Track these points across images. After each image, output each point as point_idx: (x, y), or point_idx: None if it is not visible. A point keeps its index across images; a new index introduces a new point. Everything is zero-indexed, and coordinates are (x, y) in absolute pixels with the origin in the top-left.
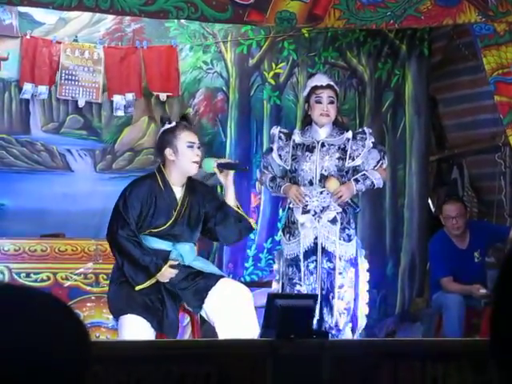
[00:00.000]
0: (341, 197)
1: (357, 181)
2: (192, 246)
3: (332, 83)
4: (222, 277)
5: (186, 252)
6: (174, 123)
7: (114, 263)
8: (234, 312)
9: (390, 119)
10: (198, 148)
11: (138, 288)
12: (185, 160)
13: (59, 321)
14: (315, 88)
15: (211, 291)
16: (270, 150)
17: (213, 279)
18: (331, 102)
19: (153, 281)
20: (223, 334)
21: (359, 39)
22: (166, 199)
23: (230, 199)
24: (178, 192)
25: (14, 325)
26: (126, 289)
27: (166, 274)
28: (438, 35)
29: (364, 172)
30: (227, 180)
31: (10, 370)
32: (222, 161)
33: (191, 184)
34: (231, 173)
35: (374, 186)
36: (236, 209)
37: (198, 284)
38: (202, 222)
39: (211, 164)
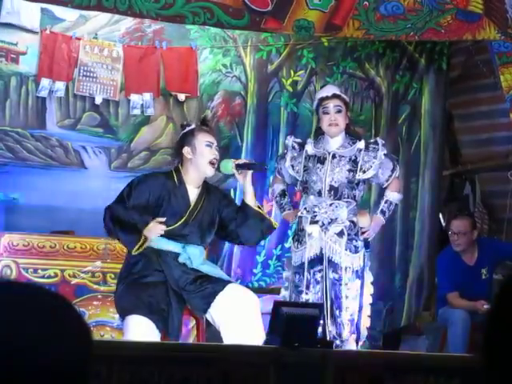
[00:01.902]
0: (367, 236)
1: (383, 212)
2: (201, 249)
3: (338, 92)
4: (229, 282)
5: (195, 255)
6: (193, 125)
7: (122, 263)
8: (240, 318)
9: (406, 132)
10: (216, 149)
11: (134, 252)
12: (202, 159)
13: (61, 319)
14: (322, 99)
15: (218, 296)
16: (283, 157)
17: (221, 284)
18: (338, 111)
19: (146, 243)
20: (228, 338)
21: (378, 50)
22: (179, 198)
23: (250, 199)
24: (193, 193)
25: (14, 323)
26: (132, 289)
27: (153, 229)
28: (456, 50)
29: (385, 198)
30: (246, 180)
31: (10, 368)
32: (240, 161)
33: (207, 187)
34: (249, 173)
35: (397, 205)
36: (257, 209)
37: (206, 289)
38: (215, 227)
39: (229, 165)
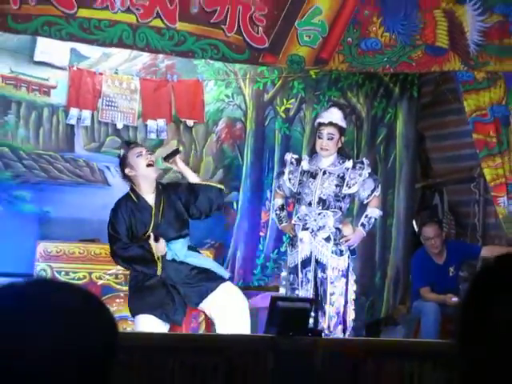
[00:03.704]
0: (350, 244)
1: (363, 225)
2: (183, 241)
3: (334, 121)
4: (222, 280)
5: (178, 249)
6: (122, 152)
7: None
8: (229, 314)
9: (383, 151)
10: (149, 154)
11: (159, 273)
12: (140, 168)
13: (89, 311)
14: (319, 124)
15: (211, 294)
16: (282, 173)
17: (214, 283)
18: (330, 138)
19: (159, 263)
20: (220, 330)
21: (358, 81)
22: (142, 209)
23: (192, 178)
24: (151, 199)
25: (44, 313)
26: (137, 294)
27: (160, 247)
28: (426, 80)
29: (366, 213)
30: (178, 165)
31: (39, 356)
32: (165, 154)
33: (162, 187)
34: (177, 158)
35: (376, 222)
36: (200, 182)
37: (201, 286)
38: (185, 215)
39: (160, 161)
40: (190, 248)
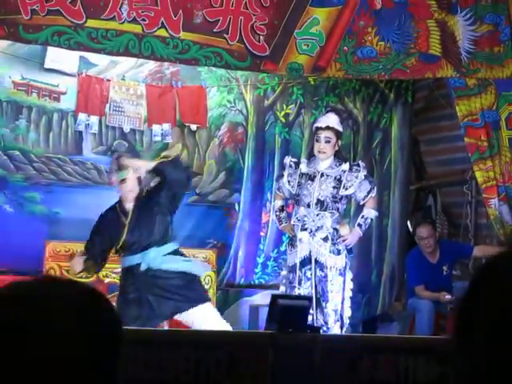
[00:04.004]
0: (348, 243)
1: (360, 225)
2: (155, 249)
3: (331, 125)
4: (201, 302)
5: (151, 259)
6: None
7: None
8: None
9: (379, 154)
10: (118, 170)
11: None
12: (118, 185)
13: (93, 308)
14: (317, 128)
15: (184, 313)
16: (282, 175)
17: (189, 304)
18: (327, 142)
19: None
20: None
21: (355, 87)
22: (118, 218)
23: (146, 166)
24: (131, 206)
25: (50, 311)
26: (122, 307)
27: (73, 265)
28: (420, 86)
29: (362, 214)
30: (133, 165)
31: (45, 353)
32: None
33: (144, 194)
34: (125, 160)
35: (372, 222)
36: (158, 162)
37: (177, 300)
38: (164, 214)
39: (120, 175)
40: (176, 252)
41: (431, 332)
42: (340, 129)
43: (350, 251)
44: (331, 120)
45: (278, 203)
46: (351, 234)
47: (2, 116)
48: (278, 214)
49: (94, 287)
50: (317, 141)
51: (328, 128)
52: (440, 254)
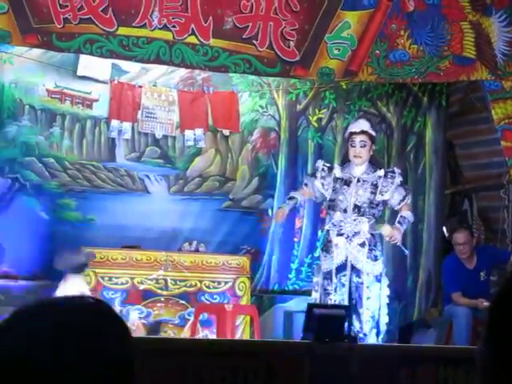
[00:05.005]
0: (394, 240)
1: (400, 223)
2: None
3: (366, 129)
4: None
5: None
6: None
7: (180, 271)
8: None
9: (413, 158)
10: None
11: None
12: None
13: (97, 325)
14: (351, 133)
15: None
16: (313, 175)
17: None
18: (363, 146)
19: None
20: None
21: (388, 91)
22: None
23: None
24: None
25: (59, 329)
26: None
27: None
28: (454, 89)
29: (400, 214)
30: None
31: (54, 372)
32: None
33: None
34: None
35: (410, 222)
36: None
37: None
38: None
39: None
40: None
41: (469, 339)
42: (373, 133)
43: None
44: (363, 125)
45: (297, 195)
46: (394, 231)
47: (36, 124)
48: (287, 201)
49: (97, 300)
50: (352, 146)
51: (362, 132)
52: (477, 260)
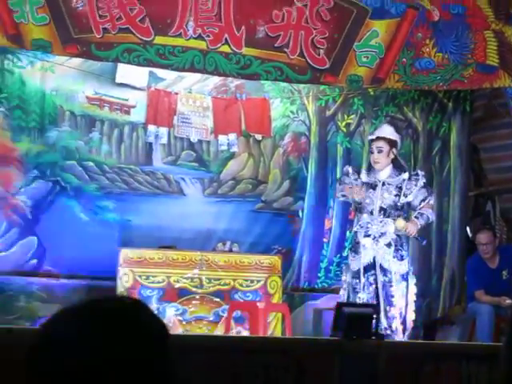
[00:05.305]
0: (409, 232)
1: (417, 218)
2: None
3: (383, 135)
4: None
5: None
6: None
7: (214, 270)
8: None
9: (438, 162)
10: None
11: None
12: None
13: (135, 325)
14: (370, 140)
15: None
16: (343, 182)
17: None
18: (380, 152)
19: None
20: None
21: (414, 97)
22: None
23: None
24: None
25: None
26: None
27: None
28: (478, 96)
29: (419, 210)
30: None
31: (89, 370)
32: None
33: None
34: None
35: (429, 219)
36: None
37: None
38: None
39: None
40: None
41: (492, 335)
42: (393, 137)
43: (421, 238)
44: (384, 131)
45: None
46: (410, 224)
47: (76, 129)
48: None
49: (132, 298)
50: (371, 152)
51: (378, 138)
52: (499, 259)
